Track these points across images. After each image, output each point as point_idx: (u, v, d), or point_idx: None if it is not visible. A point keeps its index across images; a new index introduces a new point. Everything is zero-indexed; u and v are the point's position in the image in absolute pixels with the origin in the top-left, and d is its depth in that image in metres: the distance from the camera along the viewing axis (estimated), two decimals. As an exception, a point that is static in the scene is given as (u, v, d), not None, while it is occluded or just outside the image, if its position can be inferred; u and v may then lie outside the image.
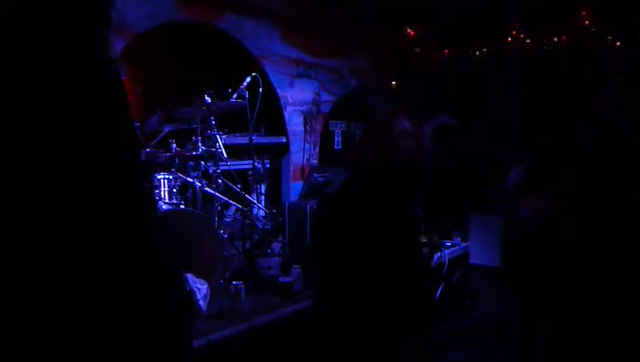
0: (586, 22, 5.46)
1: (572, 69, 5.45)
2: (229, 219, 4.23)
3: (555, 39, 5.68)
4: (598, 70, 5.29)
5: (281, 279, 3.11)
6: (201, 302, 2.64)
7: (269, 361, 2.46)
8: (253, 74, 3.75)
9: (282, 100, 5.52)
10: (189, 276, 2.68)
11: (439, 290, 3.88)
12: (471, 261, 4.43)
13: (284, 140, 5.50)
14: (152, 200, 1.39)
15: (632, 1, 5.12)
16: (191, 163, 3.54)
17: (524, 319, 3.58)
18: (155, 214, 1.12)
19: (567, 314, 2.11)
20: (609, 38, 5.34)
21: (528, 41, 5.88)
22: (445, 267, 3.99)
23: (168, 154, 3.48)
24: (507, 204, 5.19)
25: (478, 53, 6.30)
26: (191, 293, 2.57)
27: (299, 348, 2.18)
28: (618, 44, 5.30)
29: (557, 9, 5.57)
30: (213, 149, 3.57)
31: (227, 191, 3.77)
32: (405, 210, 2.07)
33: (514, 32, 5.95)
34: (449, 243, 4.15)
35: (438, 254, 3.87)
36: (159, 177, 3.28)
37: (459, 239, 4.31)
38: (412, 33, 6.75)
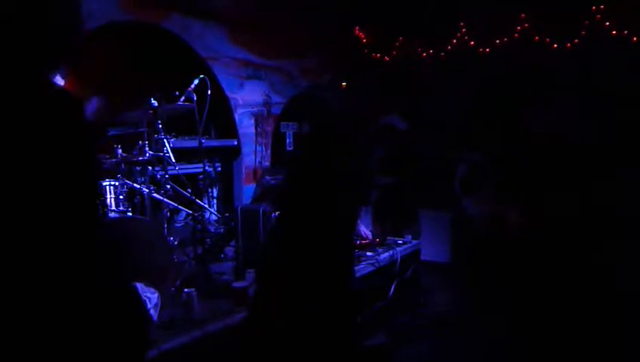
0: (526, 24, 5.71)
1: (513, 70, 5.67)
2: (180, 225, 4.14)
3: (498, 41, 5.90)
4: (537, 71, 5.52)
5: (234, 284, 3.07)
6: (152, 312, 2.58)
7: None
8: (201, 76, 3.68)
9: (232, 102, 5.45)
10: (139, 285, 2.60)
11: (392, 287, 3.96)
12: (422, 257, 4.51)
13: (235, 143, 5.44)
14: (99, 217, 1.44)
15: (569, 5, 5.41)
16: (138, 168, 3.44)
17: (476, 313, 3.70)
18: (100, 229, 1.15)
19: (517, 307, 2.19)
20: (547, 40, 5.60)
21: (472, 42, 6.07)
22: (397, 264, 4.06)
23: (114, 160, 3.37)
24: (455, 201, 5.36)
25: (425, 54, 6.44)
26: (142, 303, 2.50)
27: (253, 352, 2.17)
28: (555, 45, 5.56)
29: (500, 12, 5.82)
30: (161, 153, 3.49)
31: (177, 196, 3.69)
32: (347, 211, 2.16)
33: (458, 35, 6.13)
34: (400, 241, 4.22)
35: (390, 252, 3.94)
36: (105, 184, 3.17)
37: (409, 237, 4.39)
38: (361, 34, 6.83)
